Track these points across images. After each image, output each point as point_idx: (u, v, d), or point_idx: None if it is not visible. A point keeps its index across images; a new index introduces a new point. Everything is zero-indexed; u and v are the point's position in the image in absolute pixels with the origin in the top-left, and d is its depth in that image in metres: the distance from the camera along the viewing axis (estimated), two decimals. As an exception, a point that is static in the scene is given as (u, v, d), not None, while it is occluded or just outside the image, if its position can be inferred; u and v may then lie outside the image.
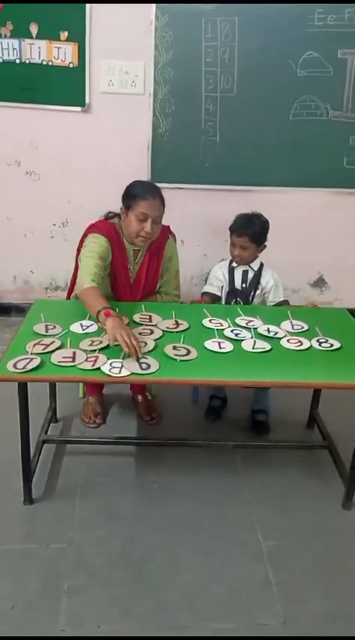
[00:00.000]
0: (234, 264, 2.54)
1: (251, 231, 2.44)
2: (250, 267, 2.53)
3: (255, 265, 2.54)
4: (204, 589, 1.79)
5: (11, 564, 1.84)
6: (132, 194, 2.28)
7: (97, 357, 1.90)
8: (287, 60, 3.25)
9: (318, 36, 3.20)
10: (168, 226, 2.47)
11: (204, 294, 2.60)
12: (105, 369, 1.82)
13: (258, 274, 2.54)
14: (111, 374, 1.81)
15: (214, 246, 3.53)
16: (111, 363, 1.85)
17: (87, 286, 2.13)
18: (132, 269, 2.41)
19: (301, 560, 1.93)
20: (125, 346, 1.85)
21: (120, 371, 1.82)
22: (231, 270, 2.55)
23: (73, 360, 1.87)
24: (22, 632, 1.62)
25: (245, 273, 2.54)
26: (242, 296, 2.54)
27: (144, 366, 1.84)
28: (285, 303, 2.56)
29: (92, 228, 2.34)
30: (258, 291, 2.54)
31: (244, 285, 2.54)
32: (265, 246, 2.51)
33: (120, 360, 1.86)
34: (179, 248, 2.56)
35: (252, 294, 2.54)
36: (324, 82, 3.29)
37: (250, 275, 2.53)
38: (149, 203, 2.24)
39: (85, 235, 2.35)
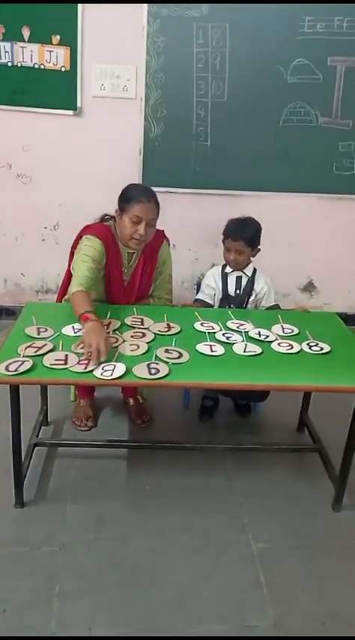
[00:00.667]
0: (228, 270, 2.54)
1: (246, 234, 2.44)
2: (244, 272, 2.53)
3: (249, 271, 2.54)
4: (194, 591, 1.80)
5: (2, 568, 1.83)
6: (128, 197, 2.29)
7: (89, 359, 1.90)
8: (277, 66, 3.28)
9: (308, 43, 3.24)
10: (163, 231, 2.48)
11: (196, 300, 2.61)
12: (97, 373, 1.83)
13: (252, 280, 2.53)
14: (103, 377, 1.81)
15: (205, 251, 3.56)
16: (103, 367, 1.85)
17: (74, 290, 2.16)
18: (126, 272, 2.42)
19: (291, 561, 1.95)
20: (86, 350, 1.86)
21: (111, 374, 1.82)
22: (225, 277, 2.55)
23: (65, 363, 1.87)
24: (13, 635, 1.61)
25: (238, 279, 2.54)
26: (235, 302, 2.53)
27: (153, 371, 1.85)
28: (276, 307, 2.57)
29: (87, 230, 2.34)
30: (251, 297, 2.54)
31: (238, 292, 2.54)
32: (259, 249, 2.52)
33: (113, 364, 1.87)
34: (170, 252, 2.57)
35: (246, 300, 2.54)
36: (314, 88, 3.33)
37: (244, 281, 2.53)
38: (143, 206, 2.25)
39: (79, 237, 2.36)
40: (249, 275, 2.54)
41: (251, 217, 2.51)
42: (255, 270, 2.56)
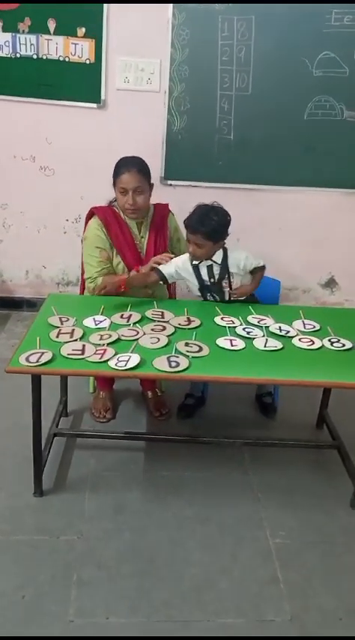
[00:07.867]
0: (196, 262, 2.35)
1: (205, 228, 2.22)
2: (213, 261, 2.34)
3: (218, 258, 2.34)
4: (211, 584, 1.81)
5: (22, 555, 1.86)
6: (115, 170, 2.43)
7: (105, 349, 1.92)
8: (303, 59, 3.24)
9: (335, 36, 3.20)
10: (167, 204, 2.59)
11: (153, 269, 2.40)
12: (112, 363, 1.84)
13: (224, 265, 2.34)
14: (117, 368, 1.82)
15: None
16: (118, 358, 1.87)
17: (99, 279, 2.37)
18: (140, 243, 2.49)
19: (309, 557, 1.94)
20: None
21: (125, 365, 1.83)
22: (196, 268, 2.36)
23: (83, 353, 1.90)
24: (32, 621, 1.64)
25: (209, 268, 2.35)
26: (215, 290, 2.40)
27: (173, 364, 1.86)
28: (262, 269, 2.42)
29: (89, 214, 2.54)
30: (232, 279, 2.36)
31: (212, 280, 2.38)
32: (224, 242, 2.33)
33: (128, 354, 1.88)
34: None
35: (226, 283, 2.37)
36: (340, 82, 3.28)
37: (215, 269, 2.36)
38: (125, 176, 2.37)
39: (86, 223, 2.55)
40: (219, 262, 2.34)
41: (218, 207, 2.30)
42: (225, 251, 2.35)
